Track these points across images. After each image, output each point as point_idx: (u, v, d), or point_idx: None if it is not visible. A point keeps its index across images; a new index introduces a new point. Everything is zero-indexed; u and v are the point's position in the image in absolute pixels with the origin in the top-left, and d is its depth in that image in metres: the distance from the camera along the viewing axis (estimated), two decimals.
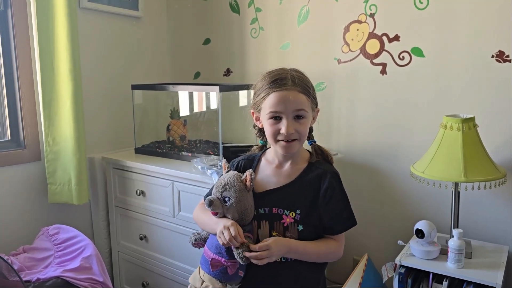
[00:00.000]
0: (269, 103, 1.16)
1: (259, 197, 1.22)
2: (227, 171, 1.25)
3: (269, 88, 1.16)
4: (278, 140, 1.18)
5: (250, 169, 1.21)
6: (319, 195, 1.20)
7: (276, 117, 1.16)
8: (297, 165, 1.25)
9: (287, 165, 1.25)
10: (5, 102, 1.99)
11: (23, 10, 1.96)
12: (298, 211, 1.19)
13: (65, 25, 1.94)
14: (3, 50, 1.95)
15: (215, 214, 1.19)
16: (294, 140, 1.17)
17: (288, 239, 1.18)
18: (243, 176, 1.19)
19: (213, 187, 1.26)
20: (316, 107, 1.23)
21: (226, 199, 1.17)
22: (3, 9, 1.92)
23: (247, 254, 1.11)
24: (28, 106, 2.02)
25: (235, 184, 1.17)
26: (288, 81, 1.15)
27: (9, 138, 2.02)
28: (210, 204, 1.17)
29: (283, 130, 1.15)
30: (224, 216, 1.19)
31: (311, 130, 1.26)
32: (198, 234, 1.32)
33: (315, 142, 1.28)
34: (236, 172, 1.23)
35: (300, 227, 1.19)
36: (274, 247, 1.13)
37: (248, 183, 1.18)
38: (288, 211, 1.19)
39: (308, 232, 1.20)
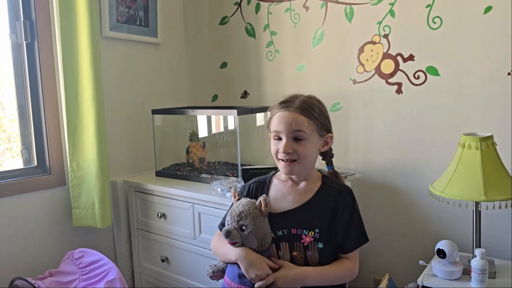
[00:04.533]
0: (273, 123, 1.23)
1: (277, 218, 1.23)
2: (238, 199, 1.26)
3: (275, 109, 1.23)
4: (279, 160, 1.22)
5: (264, 195, 1.23)
6: (336, 213, 1.22)
7: (278, 137, 1.21)
8: (312, 184, 1.27)
9: (303, 184, 1.27)
10: (32, 130, 2.07)
11: (49, 42, 2.05)
12: (317, 230, 1.20)
13: (88, 54, 2.02)
14: (30, 80, 2.04)
15: (233, 244, 1.19)
16: (294, 161, 1.20)
17: (302, 268, 1.19)
18: (257, 202, 1.20)
19: (225, 215, 1.27)
20: (328, 132, 1.26)
21: (244, 227, 1.17)
22: (30, 42, 2.02)
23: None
24: (54, 133, 2.09)
25: (251, 211, 1.17)
26: (292, 104, 1.20)
27: (36, 164, 2.09)
28: (228, 234, 1.17)
29: (280, 149, 1.19)
30: (243, 245, 1.20)
31: (330, 155, 1.29)
32: (215, 266, 1.32)
33: (333, 168, 1.32)
34: (248, 199, 1.24)
35: (320, 245, 1.20)
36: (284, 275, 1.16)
37: (263, 208, 1.19)
38: (307, 231, 1.21)
39: (329, 249, 1.22)
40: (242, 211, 1.18)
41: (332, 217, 1.21)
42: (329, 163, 1.30)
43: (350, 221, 1.22)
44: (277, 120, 1.20)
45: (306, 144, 1.19)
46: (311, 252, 1.20)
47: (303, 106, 1.20)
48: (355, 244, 1.24)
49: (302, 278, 1.17)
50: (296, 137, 1.19)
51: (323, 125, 1.23)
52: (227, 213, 1.27)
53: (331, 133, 1.27)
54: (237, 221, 1.19)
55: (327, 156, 1.30)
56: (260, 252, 1.17)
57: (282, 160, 1.21)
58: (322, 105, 1.26)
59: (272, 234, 1.21)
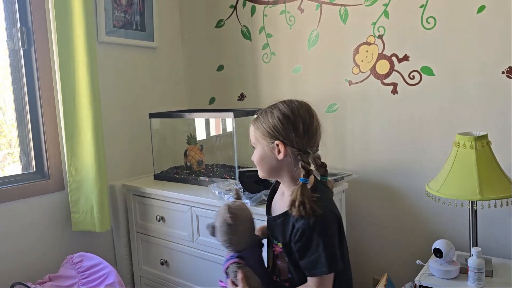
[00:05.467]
0: None
1: (268, 221, 1.28)
2: (236, 198, 1.34)
3: None
4: None
5: (227, 204, 1.26)
6: (291, 234, 1.15)
7: None
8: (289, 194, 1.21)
9: (287, 193, 1.22)
10: (30, 136, 2.08)
11: (46, 48, 2.06)
12: (280, 244, 1.21)
13: (85, 59, 2.03)
14: (27, 86, 2.05)
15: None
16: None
17: None
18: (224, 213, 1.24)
19: None
20: (275, 140, 1.15)
21: (215, 225, 1.27)
22: (27, 48, 2.03)
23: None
24: (52, 138, 2.10)
25: (223, 214, 1.24)
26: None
27: (34, 169, 2.10)
28: (207, 228, 1.29)
29: None
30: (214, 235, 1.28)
31: (304, 167, 1.14)
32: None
33: (302, 181, 1.14)
34: (240, 201, 1.30)
35: (286, 259, 1.20)
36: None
37: (227, 218, 1.21)
38: (277, 241, 1.23)
39: (295, 264, 1.18)
40: (218, 211, 1.28)
41: (290, 235, 1.16)
42: (304, 175, 1.14)
43: (304, 248, 1.12)
44: None
45: (256, 152, 1.21)
46: (280, 261, 1.22)
47: (257, 117, 1.21)
48: (310, 270, 1.13)
49: None
50: (252, 146, 1.24)
51: (268, 132, 1.16)
52: None
53: (280, 140, 1.14)
54: (215, 219, 1.29)
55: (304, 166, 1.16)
56: (234, 250, 1.25)
57: None
58: (276, 111, 1.16)
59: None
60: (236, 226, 1.22)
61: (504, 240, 1.78)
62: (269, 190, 1.38)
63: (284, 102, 1.19)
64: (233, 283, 1.22)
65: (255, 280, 1.22)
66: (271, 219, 1.26)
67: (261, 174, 1.24)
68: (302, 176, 1.14)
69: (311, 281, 1.14)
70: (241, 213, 1.24)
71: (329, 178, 1.93)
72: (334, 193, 1.92)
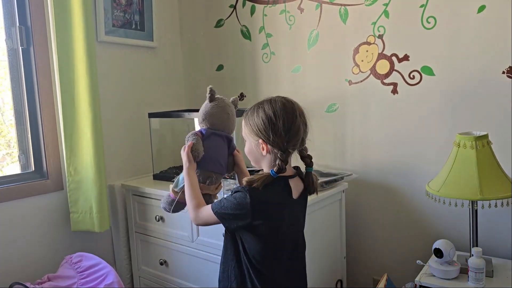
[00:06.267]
0: None
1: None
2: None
3: None
4: None
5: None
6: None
7: None
8: None
9: None
10: (29, 135, 2.07)
11: (45, 47, 2.05)
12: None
13: (84, 59, 2.03)
14: (26, 85, 2.04)
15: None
16: None
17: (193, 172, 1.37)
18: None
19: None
20: (258, 138, 1.25)
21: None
22: (26, 47, 2.02)
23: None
24: (51, 138, 2.10)
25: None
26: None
27: (33, 169, 2.09)
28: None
29: None
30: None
31: (279, 165, 1.24)
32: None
33: (272, 174, 1.24)
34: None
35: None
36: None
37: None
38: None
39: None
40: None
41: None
42: (276, 171, 1.26)
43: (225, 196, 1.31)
44: None
45: (246, 145, 1.32)
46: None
47: (248, 112, 1.29)
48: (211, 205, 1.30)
49: (185, 173, 1.36)
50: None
51: (253, 131, 1.26)
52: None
53: (262, 139, 1.23)
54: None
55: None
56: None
57: None
58: (260, 110, 1.24)
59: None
60: (219, 107, 1.41)
61: (505, 240, 1.78)
62: None
63: (269, 101, 1.25)
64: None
65: (197, 149, 1.36)
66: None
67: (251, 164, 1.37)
68: (275, 170, 1.23)
69: (207, 207, 1.31)
70: (223, 103, 1.43)
71: (329, 178, 1.94)
72: (333, 193, 1.94)
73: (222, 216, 1.25)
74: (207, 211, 1.29)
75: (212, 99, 1.43)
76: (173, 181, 1.47)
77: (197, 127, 2.43)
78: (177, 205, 1.44)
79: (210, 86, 1.43)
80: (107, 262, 1.88)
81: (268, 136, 1.22)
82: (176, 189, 1.44)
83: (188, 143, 1.37)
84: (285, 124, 1.22)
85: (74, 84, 2.05)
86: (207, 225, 1.34)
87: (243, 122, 1.31)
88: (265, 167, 1.29)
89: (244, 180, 1.24)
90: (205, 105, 1.44)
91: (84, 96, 2.04)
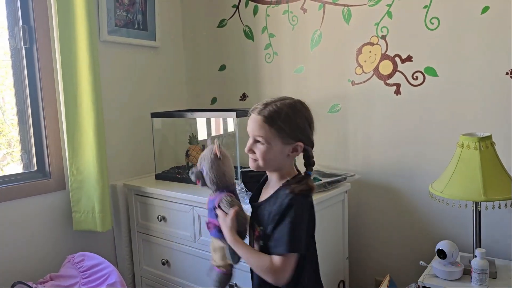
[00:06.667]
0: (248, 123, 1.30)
1: (253, 208, 1.33)
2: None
3: (250, 111, 1.28)
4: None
5: (217, 139, 1.33)
6: (276, 216, 1.20)
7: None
8: (277, 184, 1.28)
9: (274, 182, 1.30)
10: (32, 134, 2.07)
11: (48, 47, 2.05)
12: (261, 228, 1.25)
13: (87, 58, 2.03)
14: (29, 85, 2.04)
15: (198, 182, 1.35)
16: (256, 161, 1.25)
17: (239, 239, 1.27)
18: (214, 148, 1.33)
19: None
20: (296, 141, 1.22)
21: (203, 169, 1.33)
22: (29, 46, 2.02)
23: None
24: (53, 138, 2.10)
25: (208, 156, 1.32)
26: (262, 109, 1.23)
27: (36, 168, 2.09)
28: (191, 173, 1.35)
29: (246, 147, 1.28)
30: (205, 185, 1.34)
31: (308, 163, 1.26)
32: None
33: (310, 174, 1.26)
34: (211, 145, 1.36)
35: (261, 242, 1.24)
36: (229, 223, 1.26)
37: (216, 152, 1.31)
38: (258, 226, 1.27)
39: (267, 249, 1.23)
40: (201, 156, 1.35)
41: (273, 220, 1.21)
42: (308, 169, 1.27)
43: (277, 224, 1.18)
44: (248, 123, 1.27)
45: (264, 148, 1.22)
46: (256, 245, 1.28)
47: (270, 113, 1.21)
48: (279, 248, 1.17)
49: (234, 241, 1.25)
50: (256, 140, 1.24)
51: (288, 134, 1.21)
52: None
53: (301, 141, 1.23)
54: (199, 164, 1.35)
55: (305, 162, 1.28)
56: (224, 188, 1.31)
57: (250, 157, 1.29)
58: (296, 114, 1.22)
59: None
60: (225, 159, 1.33)
61: (508, 242, 1.78)
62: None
63: (293, 101, 1.25)
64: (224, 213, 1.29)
65: (244, 217, 1.30)
66: (257, 205, 1.30)
67: (261, 167, 1.27)
68: (307, 170, 1.26)
69: (274, 259, 1.18)
70: (225, 152, 1.35)
71: (332, 179, 1.94)
72: (336, 194, 1.95)
73: (306, 246, 1.19)
74: (276, 262, 1.16)
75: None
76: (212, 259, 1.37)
77: (200, 130, 2.44)
78: (226, 277, 1.35)
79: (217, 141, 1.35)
80: (109, 261, 1.87)
81: (308, 138, 1.24)
82: (230, 262, 1.33)
83: (230, 210, 1.28)
84: (312, 122, 1.27)
85: (76, 83, 2.05)
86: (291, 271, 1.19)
87: (264, 126, 1.21)
88: (284, 171, 1.26)
89: (297, 189, 1.19)
90: (217, 164, 1.33)
91: (86, 96, 2.04)
